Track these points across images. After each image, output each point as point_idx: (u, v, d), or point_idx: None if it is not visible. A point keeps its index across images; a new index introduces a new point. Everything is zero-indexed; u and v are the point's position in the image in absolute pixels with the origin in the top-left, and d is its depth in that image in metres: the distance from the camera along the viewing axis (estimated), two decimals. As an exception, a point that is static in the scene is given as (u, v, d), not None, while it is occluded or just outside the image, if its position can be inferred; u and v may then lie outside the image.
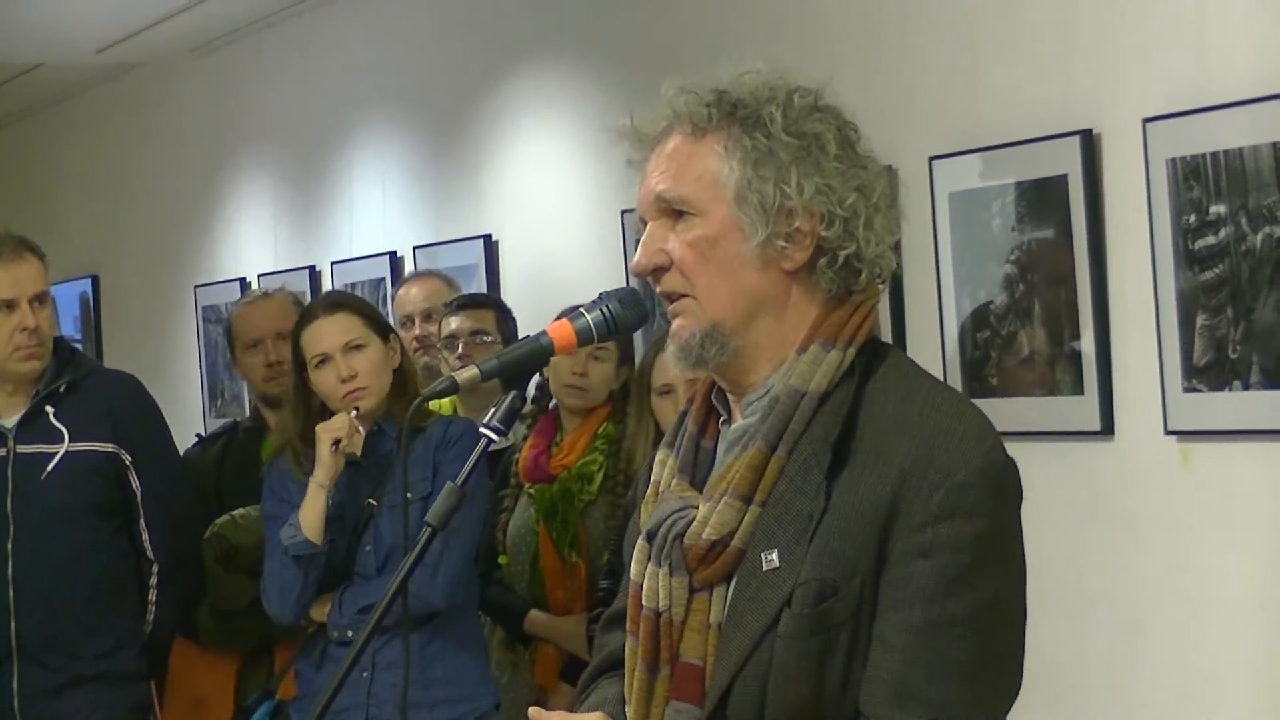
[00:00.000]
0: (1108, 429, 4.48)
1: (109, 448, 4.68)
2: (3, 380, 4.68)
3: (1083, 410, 4.52)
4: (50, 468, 4.63)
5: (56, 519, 4.62)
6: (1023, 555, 2.26)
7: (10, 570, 4.60)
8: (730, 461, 2.28)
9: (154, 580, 4.74)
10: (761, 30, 5.49)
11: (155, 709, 4.87)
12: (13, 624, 4.59)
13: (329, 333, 4.44)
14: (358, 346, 4.43)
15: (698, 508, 2.28)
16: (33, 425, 4.65)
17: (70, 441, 4.64)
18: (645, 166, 2.34)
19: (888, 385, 2.27)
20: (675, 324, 2.32)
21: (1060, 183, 4.53)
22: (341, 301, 4.56)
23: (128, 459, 4.69)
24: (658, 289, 2.33)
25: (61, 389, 4.68)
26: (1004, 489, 2.23)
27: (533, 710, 2.26)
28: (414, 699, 4.28)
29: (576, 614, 4.72)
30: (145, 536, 4.72)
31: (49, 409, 4.66)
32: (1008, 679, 2.25)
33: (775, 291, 2.30)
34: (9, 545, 4.60)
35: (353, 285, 7.55)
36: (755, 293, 2.29)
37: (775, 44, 5.28)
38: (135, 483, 4.70)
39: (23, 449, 4.64)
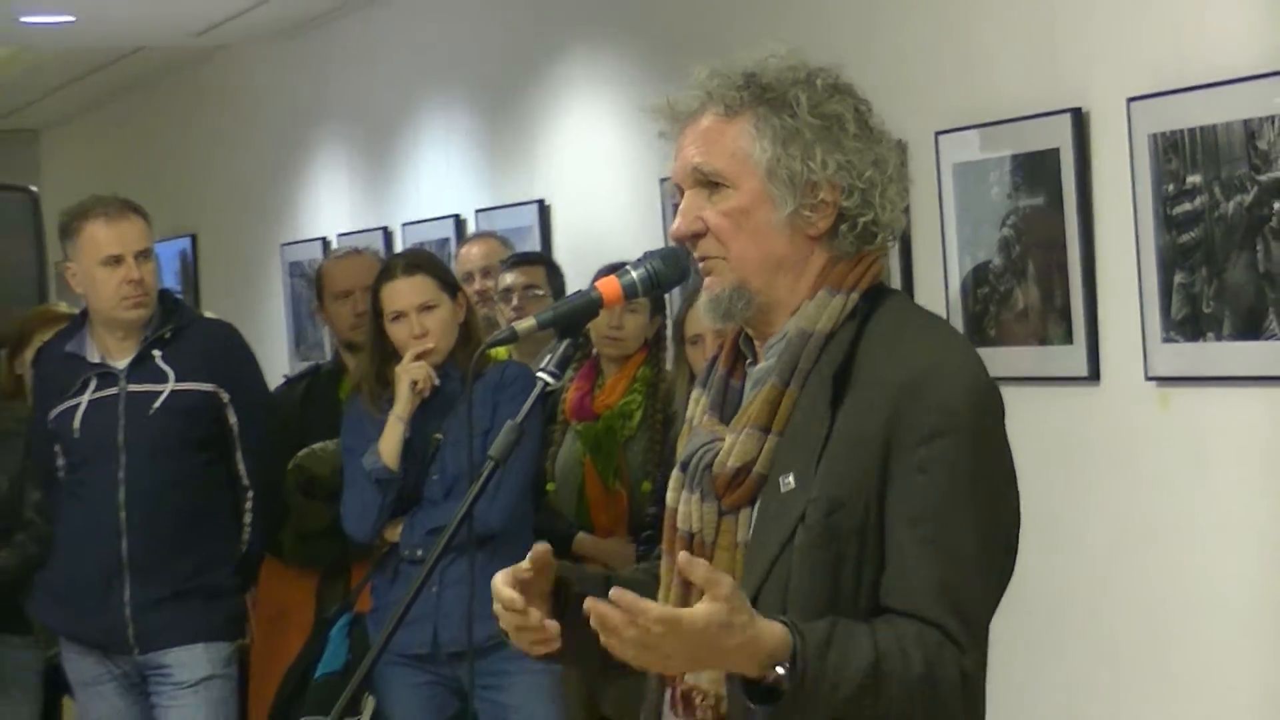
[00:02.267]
0: (1094, 375, 4.49)
1: (209, 387, 4.71)
2: (114, 327, 4.72)
3: (1072, 358, 4.52)
4: (157, 404, 4.66)
5: (162, 450, 4.65)
6: (1011, 459, 2.28)
7: (122, 495, 4.64)
8: (752, 397, 2.31)
9: (249, 505, 4.79)
10: (797, 13, 5.47)
11: (250, 619, 4.92)
12: (124, 543, 4.64)
13: (406, 292, 4.48)
14: (430, 307, 4.48)
15: (724, 440, 2.30)
16: (142, 367, 4.69)
17: (175, 381, 4.67)
18: (679, 140, 2.34)
19: (885, 323, 2.29)
20: (707, 281, 2.33)
21: (1053, 155, 4.53)
22: (419, 264, 4.59)
23: (225, 397, 4.72)
24: (695, 252, 2.34)
25: (167, 335, 4.71)
26: (988, 405, 2.26)
27: (589, 602, 2.15)
28: (476, 612, 4.30)
29: (619, 536, 4.76)
30: (242, 467, 4.76)
31: (156, 353, 4.69)
32: (1010, 567, 2.28)
33: (799, 254, 2.31)
34: (120, 473, 4.64)
35: (421, 244, 7.56)
36: (782, 256, 2.31)
37: (810, 28, 5.26)
38: (232, 419, 4.73)
39: (133, 388, 4.68)
